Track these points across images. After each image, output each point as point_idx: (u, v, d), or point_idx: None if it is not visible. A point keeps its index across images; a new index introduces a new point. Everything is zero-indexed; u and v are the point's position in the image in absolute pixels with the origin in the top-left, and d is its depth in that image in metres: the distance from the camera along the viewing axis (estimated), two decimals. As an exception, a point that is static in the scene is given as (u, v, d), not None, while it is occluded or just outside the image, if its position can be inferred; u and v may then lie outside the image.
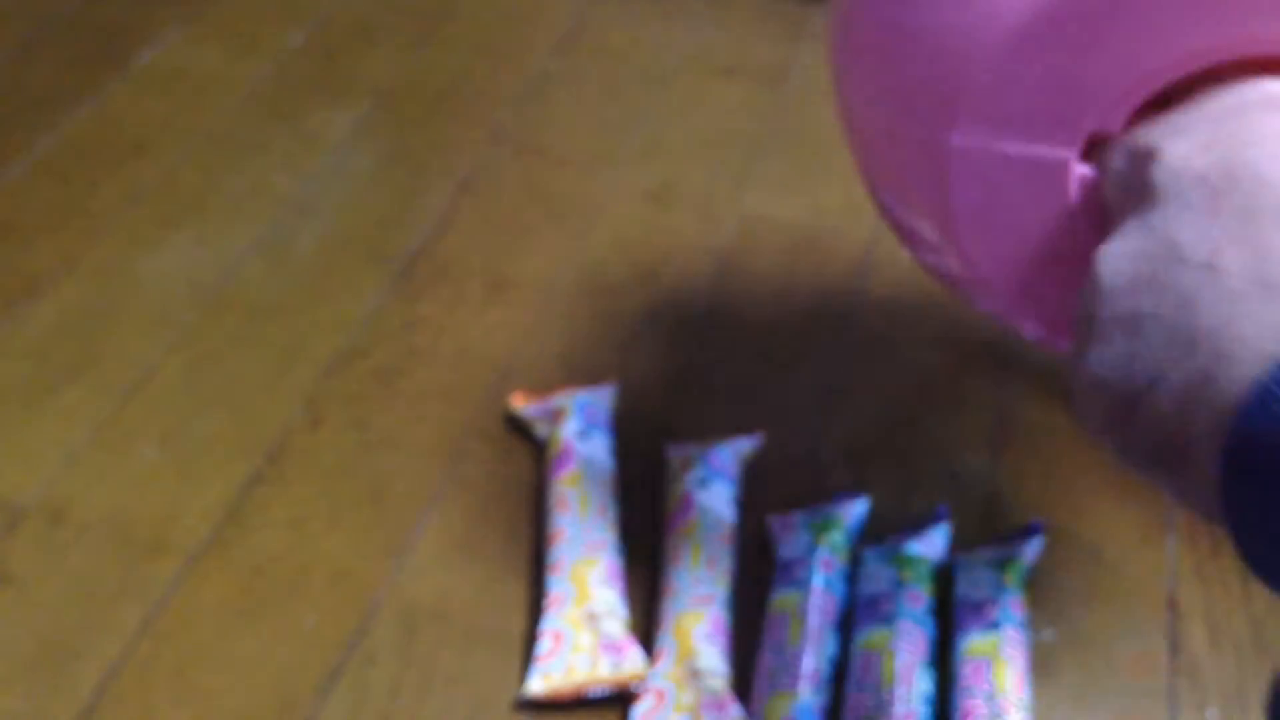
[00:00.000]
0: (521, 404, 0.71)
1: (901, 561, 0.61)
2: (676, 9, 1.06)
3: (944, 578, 0.64)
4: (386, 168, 0.89)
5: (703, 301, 0.79)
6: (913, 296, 0.80)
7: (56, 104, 0.94)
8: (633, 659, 0.58)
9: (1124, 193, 0.37)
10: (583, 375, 0.74)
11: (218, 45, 1.01)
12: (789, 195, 0.87)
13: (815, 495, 0.68)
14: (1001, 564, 0.61)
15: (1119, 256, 0.34)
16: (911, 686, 0.56)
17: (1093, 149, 0.41)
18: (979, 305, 0.49)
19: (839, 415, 0.72)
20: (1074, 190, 0.41)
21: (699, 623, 0.58)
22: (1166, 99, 0.41)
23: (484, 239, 0.83)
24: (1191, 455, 0.31)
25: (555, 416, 0.68)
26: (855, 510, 0.64)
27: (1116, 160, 0.38)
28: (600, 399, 0.69)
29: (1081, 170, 0.41)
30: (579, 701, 0.59)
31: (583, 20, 1.05)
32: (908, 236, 0.49)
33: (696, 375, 0.74)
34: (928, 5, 0.41)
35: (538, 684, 0.57)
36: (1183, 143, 0.34)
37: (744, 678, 0.60)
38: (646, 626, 0.62)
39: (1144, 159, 0.36)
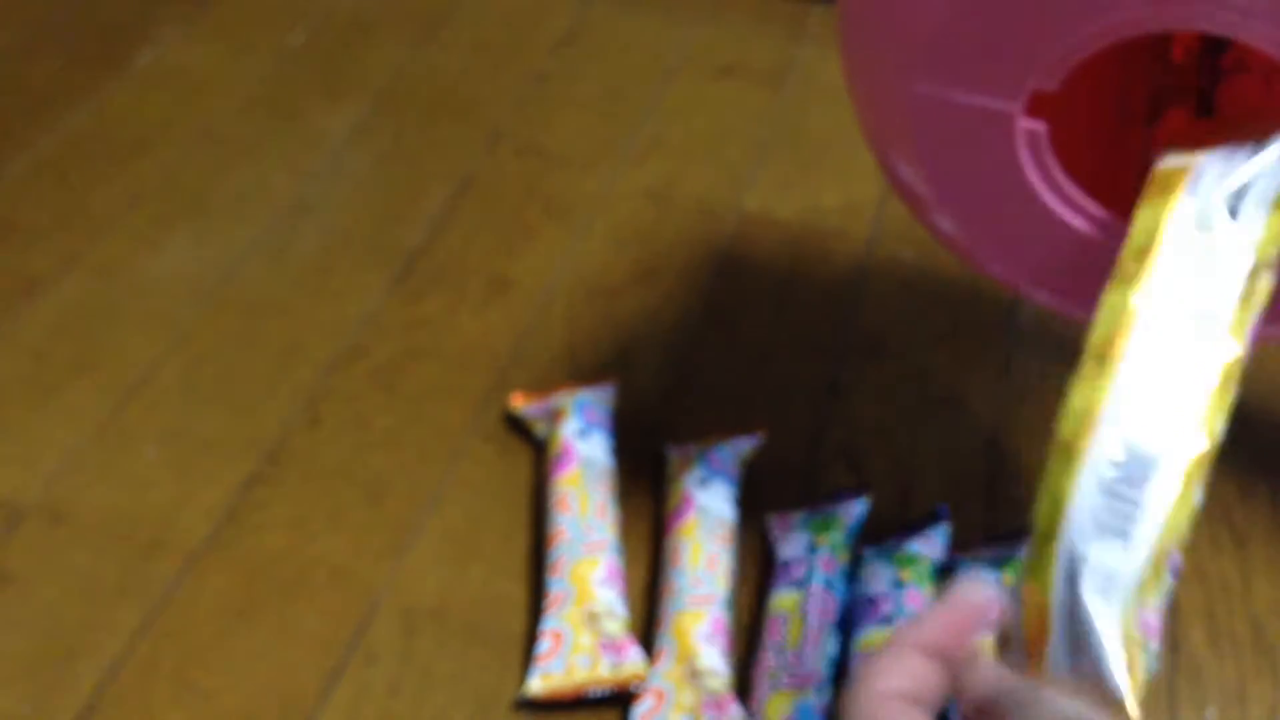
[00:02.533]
0: (521, 404, 0.70)
1: (901, 561, 0.61)
2: (676, 9, 1.06)
3: (944, 578, 0.64)
4: (386, 168, 0.89)
5: (703, 301, 0.79)
6: (913, 296, 0.80)
7: (56, 104, 0.94)
8: (633, 659, 0.58)
9: None
10: (583, 375, 0.74)
11: (218, 45, 1.01)
12: (789, 195, 0.87)
13: (815, 495, 0.68)
14: (1001, 564, 0.61)
15: None
16: (911, 686, 0.56)
17: (1038, 105, 0.45)
18: (979, 265, 0.51)
19: (839, 415, 0.72)
20: (1020, 142, 0.45)
21: (699, 623, 0.58)
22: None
23: (484, 239, 0.83)
24: None
25: (555, 416, 0.68)
26: (855, 510, 0.64)
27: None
28: (600, 399, 0.69)
29: (1026, 125, 0.45)
30: (579, 701, 0.59)
31: (583, 20, 1.05)
32: (909, 198, 0.51)
33: (696, 375, 0.74)
34: None
35: (538, 684, 0.57)
36: None
37: (744, 678, 0.59)
38: (646, 626, 0.62)
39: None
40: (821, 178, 0.89)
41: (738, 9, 1.06)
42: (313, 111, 0.94)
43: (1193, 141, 0.44)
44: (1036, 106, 0.44)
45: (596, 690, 0.57)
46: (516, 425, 0.71)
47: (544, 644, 0.58)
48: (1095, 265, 0.46)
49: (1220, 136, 0.43)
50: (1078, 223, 0.47)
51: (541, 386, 0.73)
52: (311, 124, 0.93)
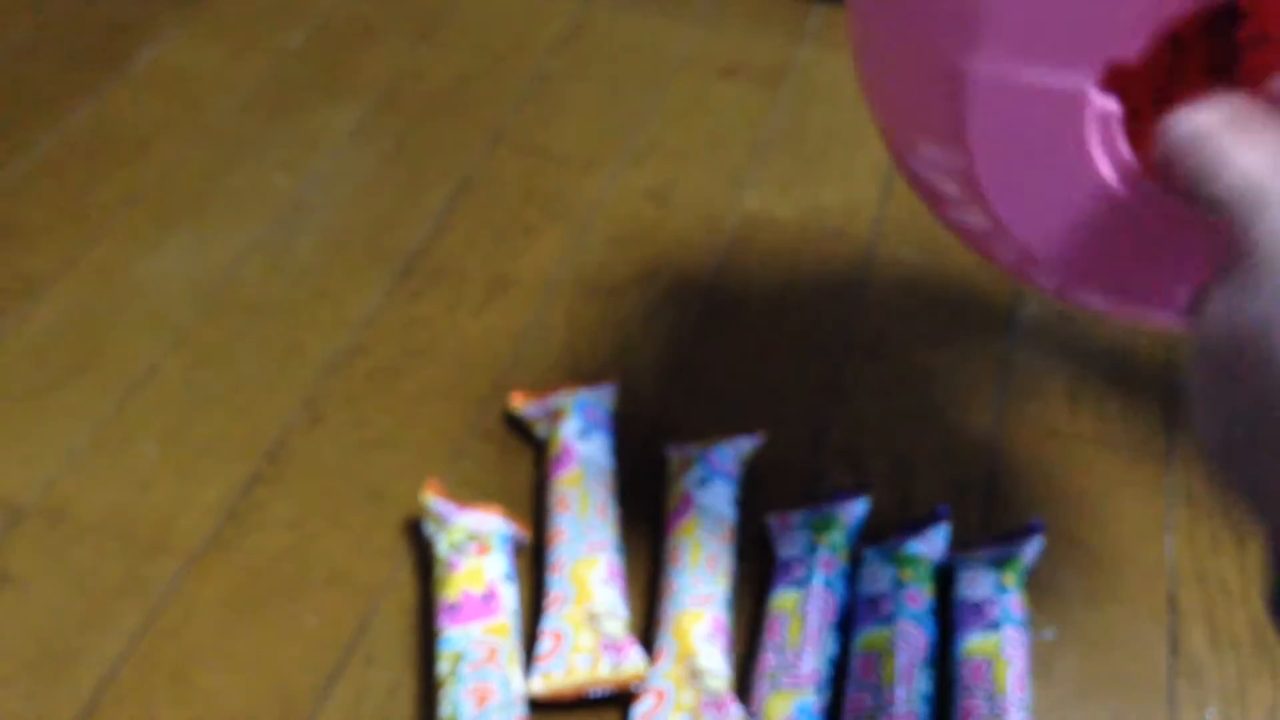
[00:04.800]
0: (521, 404, 0.70)
1: (901, 561, 0.61)
2: (676, 9, 1.06)
3: (944, 578, 0.64)
4: (386, 168, 0.89)
5: (702, 301, 0.79)
6: (913, 296, 0.80)
7: (56, 104, 0.94)
8: (633, 659, 0.58)
9: (1220, 221, 0.36)
10: (583, 375, 0.74)
11: (218, 45, 1.01)
12: (789, 195, 0.87)
13: (815, 495, 0.68)
14: (1001, 564, 0.61)
15: (1220, 314, 0.34)
16: (911, 686, 0.56)
17: (1113, 80, 0.41)
18: (1001, 261, 0.48)
19: (839, 415, 0.72)
20: (1090, 123, 0.41)
21: (699, 623, 0.58)
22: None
23: (484, 239, 0.83)
24: None
25: (555, 416, 0.68)
26: (855, 510, 0.64)
27: (1219, 179, 0.36)
28: (600, 399, 0.69)
29: (1099, 102, 0.41)
30: (579, 701, 0.59)
31: (583, 20, 1.05)
32: (928, 192, 0.49)
33: (696, 375, 0.74)
34: None
35: (538, 684, 0.57)
36: None
37: (744, 678, 0.60)
38: (646, 626, 0.62)
39: (1250, 210, 0.35)
40: (821, 178, 0.89)
41: (738, 9, 1.06)
42: (313, 111, 0.94)
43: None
44: (1110, 82, 0.41)
45: (597, 690, 0.57)
46: (516, 425, 0.71)
47: (544, 644, 0.58)
48: (1138, 238, 0.43)
49: None
50: (1125, 191, 0.43)
51: (541, 386, 0.73)
52: (311, 124, 0.93)
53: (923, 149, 0.46)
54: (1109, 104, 0.41)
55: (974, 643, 0.58)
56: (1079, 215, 0.44)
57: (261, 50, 1.00)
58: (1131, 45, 0.39)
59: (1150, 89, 0.48)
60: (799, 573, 0.61)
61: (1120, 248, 0.44)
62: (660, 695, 0.57)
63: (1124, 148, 0.42)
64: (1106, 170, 0.42)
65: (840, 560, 0.62)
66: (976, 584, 0.61)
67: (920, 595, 0.60)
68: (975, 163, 0.43)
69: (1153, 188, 0.43)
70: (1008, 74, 0.40)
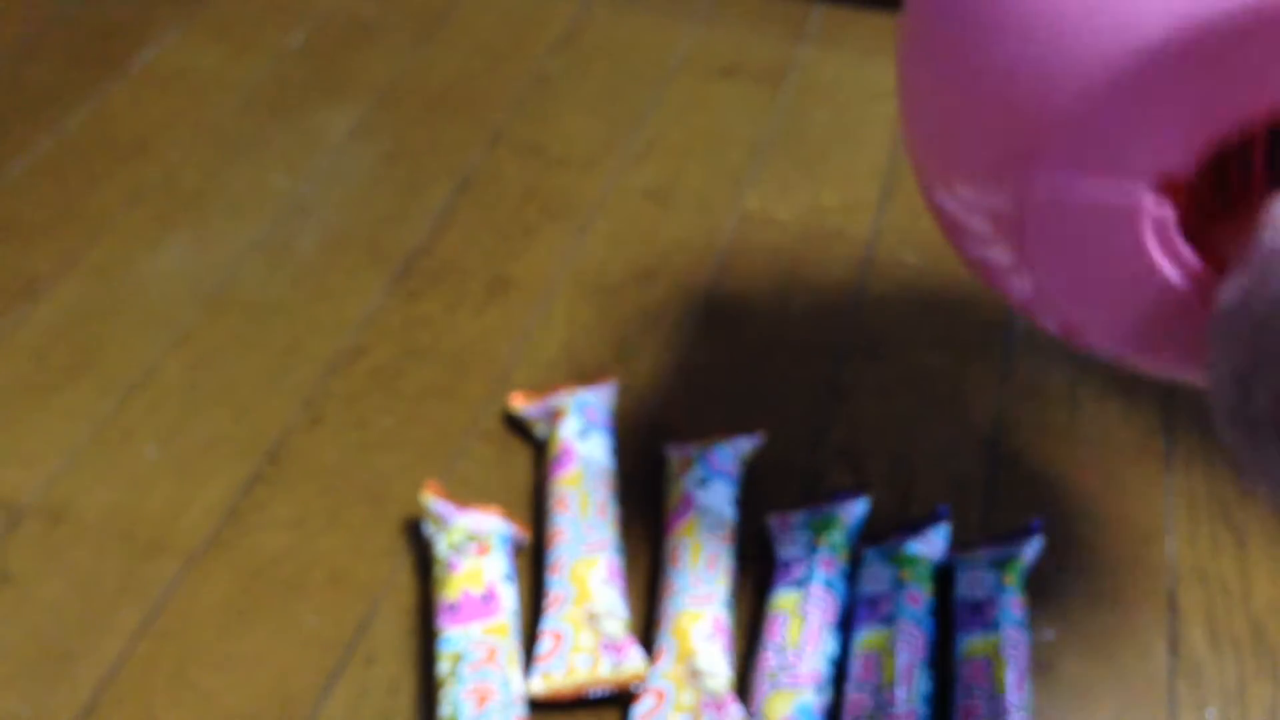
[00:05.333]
0: (521, 404, 0.70)
1: (901, 561, 0.61)
2: (676, 9, 1.06)
3: (944, 578, 0.64)
4: (386, 168, 0.89)
5: (702, 301, 0.79)
6: (913, 296, 0.80)
7: (56, 104, 0.94)
8: (633, 659, 0.58)
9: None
10: (583, 375, 0.74)
11: (218, 45, 1.01)
12: (789, 195, 0.87)
13: (815, 495, 0.68)
14: (1001, 564, 0.61)
15: (1231, 291, 0.41)
16: (911, 686, 0.56)
17: (1166, 187, 0.43)
18: (1012, 298, 0.50)
19: (839, 415, 0.72)
20: (1146, 226, 0.44)
21: (699, 623, 0.58)
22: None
23: (484, 239, 0.83)
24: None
25: (555, 416, 0.68)
26: (855, 510, 0.64)
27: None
28: (600, 399, 0.69)
29: (1153, 209, 0.43)
30: (579, 701, 0.59)
31: (583, 20, 1.05)
32: (954, 232, 0.50)
33: (696, 375, 0.74)
34: (1006, 50, 0.43)
35: (538, 684, 0.57)
36: None
37: (744, 678, 0.60)
38: (646, 626, 0.62)
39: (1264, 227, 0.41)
40: (821, 178, 0.89)
41: (738, 9, 1.06)
42: (313, 111, 0.94)
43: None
44: (1165, 189, 0.43)
45: (597, 690, 0.57)
46: (516, 425, 0.71)
47: (544, 644, 0.58)
48: (1186, 320, 0.46)
49: None
50: (1181, 282, 0.46)
51: (541, 386, 0.73)
52: (311, 124, 0.93)
53: (961, 190, 0.48)
54: (1164, 209, 0.43)
55: (974, 643, 0.58)
56: (1127, 295, 0.46)
57: (261, 50, 1.00)
58: (1182, 164, 0.42)
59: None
60: (799, 573, 0.61)
61: (1155, 315, 0.47)
62: (660, 695, 0.57)
63: (1180, 243, 0.44)
64: (1165, 265, 0.45)
65: (840, 560, 0.62)
66: (976, 584, 0.61)
67: (920, 595, 0.60)
68: (1029, 251, 0.46)
69: (1205, 273, 0.45)
70: (1067, 188, 0.43)
